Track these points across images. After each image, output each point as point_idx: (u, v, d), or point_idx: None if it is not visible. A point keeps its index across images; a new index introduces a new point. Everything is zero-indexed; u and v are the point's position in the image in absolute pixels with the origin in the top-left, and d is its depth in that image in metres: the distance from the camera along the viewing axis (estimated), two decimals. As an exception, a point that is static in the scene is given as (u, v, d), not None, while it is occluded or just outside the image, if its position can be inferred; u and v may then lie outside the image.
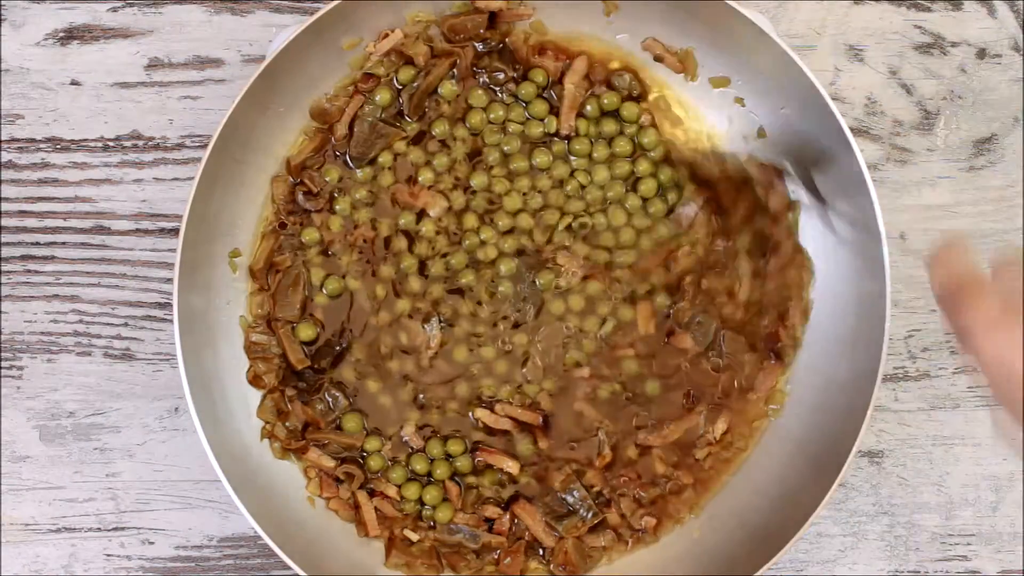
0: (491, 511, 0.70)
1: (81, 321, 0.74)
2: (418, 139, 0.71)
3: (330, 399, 0.70)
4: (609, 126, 0.71)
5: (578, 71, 0.70)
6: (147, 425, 0.73)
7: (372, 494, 0.70)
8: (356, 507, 0.70)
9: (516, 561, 0.70)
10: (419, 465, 0.70)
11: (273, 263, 0.70)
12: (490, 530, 0.70)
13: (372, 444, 0.70)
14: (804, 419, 0.70)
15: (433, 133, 0.71)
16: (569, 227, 0.70)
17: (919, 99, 0.75)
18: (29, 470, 0.73)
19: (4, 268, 0.73)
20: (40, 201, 0.74)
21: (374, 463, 0.70)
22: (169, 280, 0.73)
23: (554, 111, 0.71)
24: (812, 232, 0.70)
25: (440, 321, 0.70)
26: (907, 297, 0.74)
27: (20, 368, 0.73)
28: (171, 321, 0.64)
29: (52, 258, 0.74)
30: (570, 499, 0.70)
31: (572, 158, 0.71)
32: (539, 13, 0.70)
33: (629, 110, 0.71)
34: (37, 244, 0.73)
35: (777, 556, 0.65)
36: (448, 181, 0.71)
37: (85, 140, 0.74)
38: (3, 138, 0.73)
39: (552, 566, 0.70)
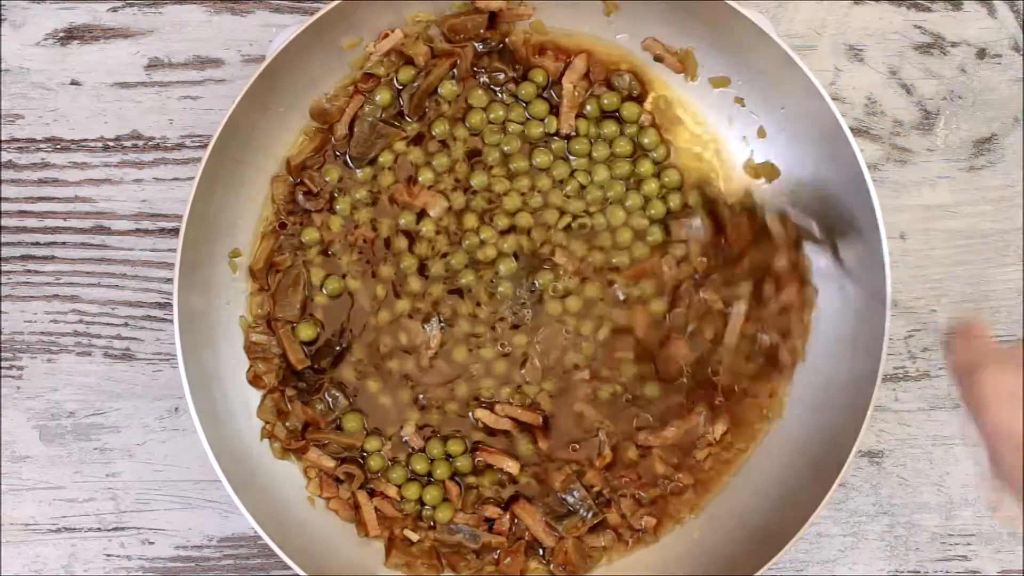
0: (491, 511, 0.70)
1: (81, 321, 0.73)
2: (418, 139, 0.71)
3: (330, 399, 0.70)
4: (609, 126, 0.71)
5: (578, 70, 0.70)
6: (147, 425, 0.73)
7: (372, 494, 0.70)
8: (356, 507, 0.70)
9: (516, 561, 0.70)
10: (419, 465, 0.70)
11: (273, 263, 0.70)
12: (490, 530, 0.70)
13: (372, 444, 0.70)
14: (804, 419, 0.70)
15: (433, 133, 0.71)
16: (568, 227, 0.70)
17: (919, 99, 0.75)
18: (29, 470, 0.73)
19: (4, 268, 0.73)
20: (40, 201, 0.74)
21: (374, 463, 0.70)
22: (169, 280, 0.73)
23: (554, 111, 0.71)
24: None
25: (440, 321, 0.70)
26: (907, 297, 0.74)
27: (20, 368, 0.73)
28: (171, 321, 0.64)
29: (52, 258, 0.73)
30: (570, 499, 0.70)
31: (572, 158, 0.71)
32: (539, 13, 0.70)
33: (629, 110, 0.71)
34: (37, 244, 0.73)
35: (777, 556, 0.65)
36: (448, 181, 0.71)
37: (85, 140, 0.74)
38: (3, 138, 0.73)
39: (552, 566, 0.70)
